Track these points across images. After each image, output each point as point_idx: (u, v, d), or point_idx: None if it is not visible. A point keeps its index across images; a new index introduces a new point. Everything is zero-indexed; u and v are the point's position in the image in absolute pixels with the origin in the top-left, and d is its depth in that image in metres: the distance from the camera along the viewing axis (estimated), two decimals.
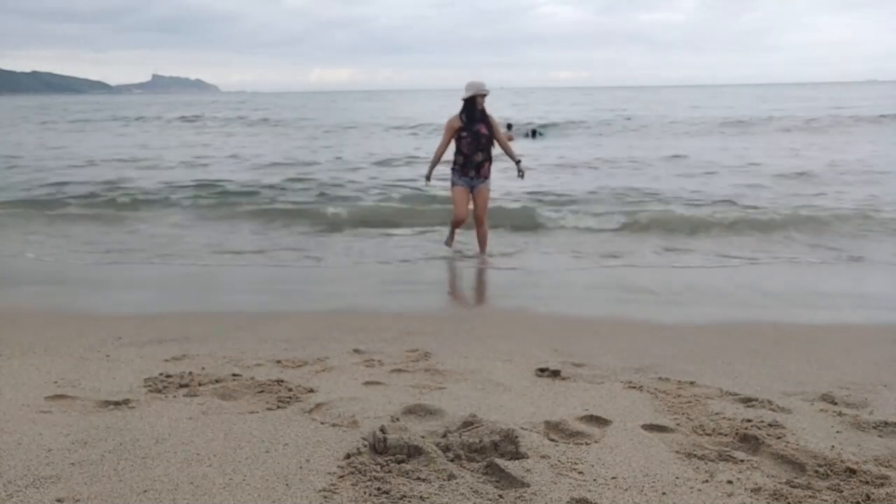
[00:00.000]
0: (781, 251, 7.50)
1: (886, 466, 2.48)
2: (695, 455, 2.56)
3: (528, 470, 2.39)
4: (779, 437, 2.69)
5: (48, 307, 5.21)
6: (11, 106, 74.65)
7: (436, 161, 7.22)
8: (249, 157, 18.12)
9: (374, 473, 2.37)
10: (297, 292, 5.93)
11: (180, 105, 64.88)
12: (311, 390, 3.24)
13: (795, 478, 2.39)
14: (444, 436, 2.66)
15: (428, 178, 7.36)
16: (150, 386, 3.30)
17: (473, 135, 6.78)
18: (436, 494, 2.23)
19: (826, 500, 2.23)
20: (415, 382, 3.39)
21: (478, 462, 2.47)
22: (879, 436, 2.78)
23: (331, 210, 9.98)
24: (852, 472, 2.39)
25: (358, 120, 35.69)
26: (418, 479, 2.33)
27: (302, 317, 4.90)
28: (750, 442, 2.65)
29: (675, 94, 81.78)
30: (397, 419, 2.86)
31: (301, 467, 2.45)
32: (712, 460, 2.52)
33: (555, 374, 3.52)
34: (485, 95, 6.82)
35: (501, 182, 9.70)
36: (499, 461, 2.43)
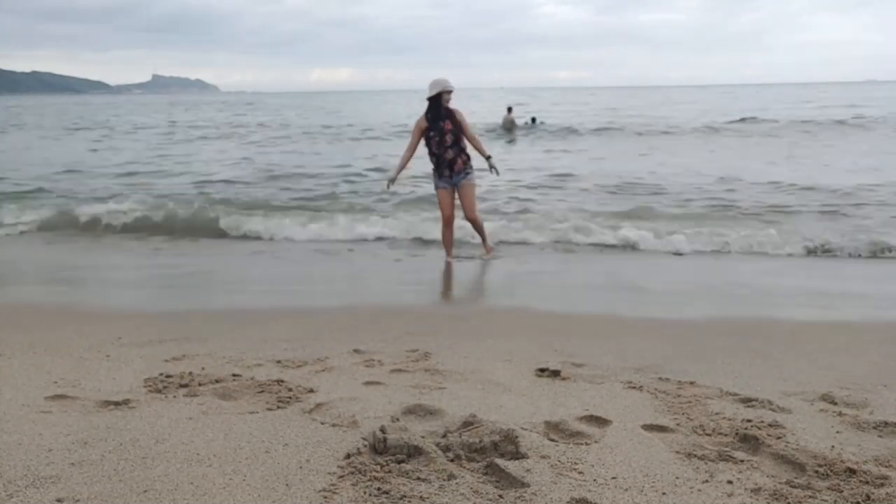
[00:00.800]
0: (782, 250, 7.51)
1: (886, 466, 2.47)
2: (695, 455, 2.56)
3: (528, 470, 2.39)
4: (779, 437, 2.69)
5: (48, 307, 5.21)
6: (3, 107, 74.11)
7: (402, 164, 6.99)
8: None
9: (374, 473, 2.37)
10: (298, 292, 5.93)
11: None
12: (311, 390, 3.24)
13: (795, 478, 2.39)
14: (444, 436, 2.66)
15: (391, 181, 7.07)
16: (150, 386, 3.30)
17: (439, 132, 6.73)
18: (436, 494, 2.23)
19: (826, 500, 2.23)
20: (415, 382, 3.39)
21: (478, 462, 2.47)
22: (879, 436, 2.78)
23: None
24: (852, 472, 2.39)
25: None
26: (418, 479, 2.33)
27: (302, 316, 4.90)
28: (750, 442, 2.65)
29: (692, 94, 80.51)
30: (397, 419, 2.86)
31: (301, 467, 2.45)
32: (712, 460, 2.52)
33: (555, 374, 3.52)
34: (450, 92, 6.76)
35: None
36: (499, 461, 2.43)
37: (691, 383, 3.42)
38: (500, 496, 2.24)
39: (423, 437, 2.62)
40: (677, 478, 2.39)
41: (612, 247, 7.95)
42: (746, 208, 9.83)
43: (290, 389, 3.23)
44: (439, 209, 7.02)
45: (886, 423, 2.87)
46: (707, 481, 2.36)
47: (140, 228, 9.30)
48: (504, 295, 5.98)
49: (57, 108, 58.81)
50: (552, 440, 2.68)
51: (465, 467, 2.43)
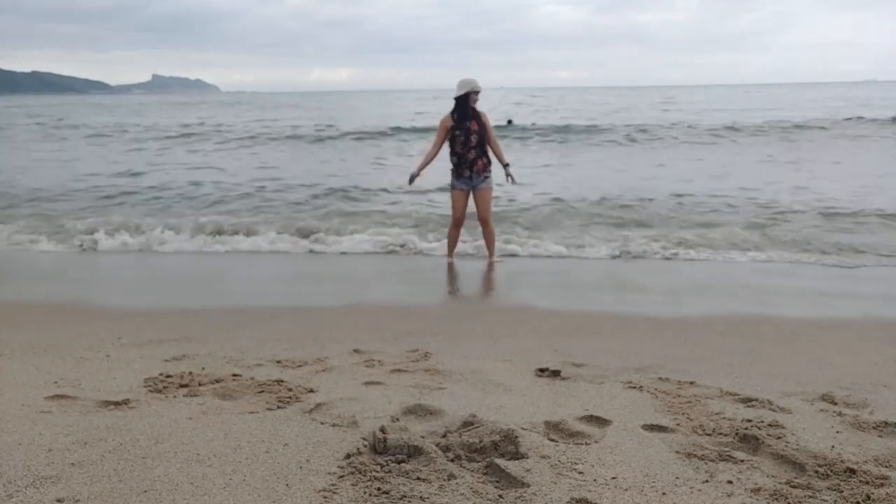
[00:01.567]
0: (783, 249, 7.50)
1: (886, 466, 2.47)
2: (695, 455, 2.56)
3: (528, 470, 2.39)
4: (779, 437, 2.69)
5: (48, 307, 5.21)
6: (2, 106, 73.52)
7: (427, 161, 7.00)
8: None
9: (374, 473, 2.37)
10: (298, 292, 5.93)
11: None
12: (311, 390, 3.24)
13: (795, 478, 2.39)
14: (444, 436, 2.66)
15: (412, 178, 7.03)
16: (150, 386, 3.30)
17: (465, 132, 6.74)
18: (436, 494, 2.23)
19: (826, 500, 2.23)
20: (415, 382, 3.39)
21: (478, 462, 2.47)
22: (879, 436, 2.78)
23: None
24: (852, 472, 2.39)
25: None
26: (418, 479, 2.33)
27: (302, 316, 4.91)
28: (750, 442, 2.65)
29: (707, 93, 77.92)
30: (397, 419, 2.86)
31: (301, 467, 2.45)
32: (712, 460, 2.52)
33: (555, 374, 3.52)
34: (478, 92, 6.78)
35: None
36: (499, 461, 2.43)
37: (691, 383, 3.42)
38: (500, 496, 2.24)
39: (423, 437, 2.62)
40: (677, 478, 2.39)
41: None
42: None
43: (290, 389, 3.23)
44: (451, 209, 7.02)
45: (886, 423, 2.87)
46: (707, 481, 2.36)
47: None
48: (504, 295, 5.99)
49: (56, 109, 58.18)
50: (552, 440, 2.68)
51: (465, 467, 2.43)
